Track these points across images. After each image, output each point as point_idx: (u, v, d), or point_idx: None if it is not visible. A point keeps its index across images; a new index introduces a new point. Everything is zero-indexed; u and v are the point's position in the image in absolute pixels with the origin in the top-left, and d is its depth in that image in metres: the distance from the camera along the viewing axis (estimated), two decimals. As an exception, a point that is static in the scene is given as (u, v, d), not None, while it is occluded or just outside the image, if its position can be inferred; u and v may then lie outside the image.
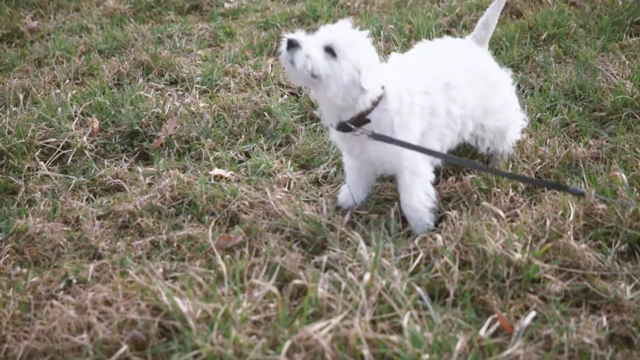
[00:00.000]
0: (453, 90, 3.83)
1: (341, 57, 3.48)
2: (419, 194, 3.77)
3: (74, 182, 4.48)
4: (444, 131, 3.86)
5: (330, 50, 3.48)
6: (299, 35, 3.52)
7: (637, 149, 4.26)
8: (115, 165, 4.66)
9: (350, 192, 4.03)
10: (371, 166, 3.88)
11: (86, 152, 4.78)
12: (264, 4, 7.44)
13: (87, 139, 4.88)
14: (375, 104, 3.63)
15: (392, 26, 6.19)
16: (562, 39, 5.85)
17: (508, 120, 4.16)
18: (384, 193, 4.12)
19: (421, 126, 3.74)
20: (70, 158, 4.74)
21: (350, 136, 3.69)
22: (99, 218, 4.12)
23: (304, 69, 3.47)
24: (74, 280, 3.57)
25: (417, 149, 3.66)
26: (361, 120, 3.63)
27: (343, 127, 3.64)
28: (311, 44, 3.49)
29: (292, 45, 3.47)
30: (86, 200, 4.33)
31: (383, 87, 3.63)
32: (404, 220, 3.86)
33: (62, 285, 3.56)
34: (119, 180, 4.46)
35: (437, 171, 3.93)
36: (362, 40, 3.58)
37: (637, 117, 4.63)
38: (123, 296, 3.37)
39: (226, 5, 7.38)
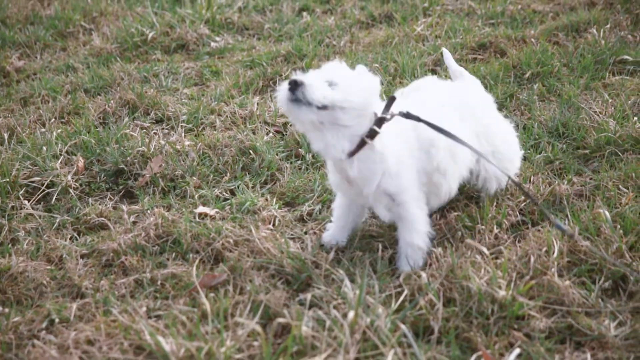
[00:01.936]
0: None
1: (343, 84, 3.53)
2: (423, 230, 3.77)
3: (58, 220, 4.46)
4: (449, 168, 3.88)
5: (332, 83, 3.52)
6: (298, 76, 3.54)
7: (620, 187, 4.28)
8: (99, 204, 4.64)
9: (334, 232, 4.04)
10: (376, 200, 3.80)
11: (71, 190, 4.77)
12: (250, 43, 7.47)
13: (72, 178, 4.86)
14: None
15: (377, 65, 6.24)
16: (545, 78, 5.90)
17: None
18: (370, 229, 4.12)
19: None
20: (54, 197, 4.72)
21: (357, 163, 3.68)
22: (82, 257, 4.10)
23: (315, 101, 3.47)
24: (57, 320, 3.54)
25: (454, 138, 3.71)
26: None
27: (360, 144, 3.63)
28: (313, 78, 3.52)
29: (297, 84, 3.47)
30: (70, 238, 4.31)
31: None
32: (390, 258, 3.86)
33: (44, 325, 3.53)
34: (103, 218, 4.44)
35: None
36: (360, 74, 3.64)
37: (620, 155, 4.66)
38: (106, 335, 3.35)
39: (212, 44, 7.41)
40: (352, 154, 3.61)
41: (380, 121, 3.61)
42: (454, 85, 4.26)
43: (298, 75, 3.53)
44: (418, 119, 3.65)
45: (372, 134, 3.59)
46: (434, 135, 3.71)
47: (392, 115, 3.65)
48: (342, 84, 3.52)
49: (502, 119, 4.33)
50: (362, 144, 3.60)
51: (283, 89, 3.52)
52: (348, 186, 3.80)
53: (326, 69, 3.64)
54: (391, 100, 3.69)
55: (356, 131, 3.58)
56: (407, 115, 3.66)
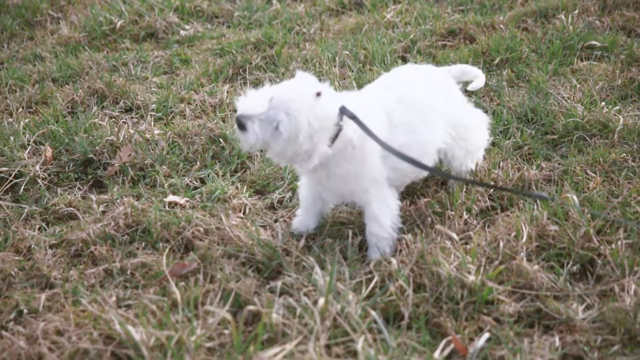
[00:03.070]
0: (412, 108, 3.85)
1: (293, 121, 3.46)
2: (387, 224, 3.77)
3: (26, 211, 4.42)
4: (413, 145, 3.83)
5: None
6: (249, 106, 3.51)
7: (588, 171, 4.32)
8: (68, 194, 4.61)
9: (303, 217, 4.04)
10: (338, 197, 3.87)
11: (39, 180, 4.72)
12: (220, 31, 7.43)
13: (40, 168, 4.82)
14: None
15: (347, 52, 6.23)
16: (514, 64, 5.92)
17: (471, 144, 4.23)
18: (340, 216, 4.13)
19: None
20: (22, 187, 4.68)
21: (320, 167, 3.68)
22: (51, 247, 4.07)
23: (258, 146, 3.52)
24: (25, 311, 3.52)
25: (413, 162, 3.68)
26: None
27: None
28: (260, 112, 3.48)
29: (242, 127, 3.49)
30: (39, 229, 4.28)
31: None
32: (359, 245, 3.87)
33: (12, 316, 3.51)
34: (72, 208, 4.41)
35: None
36: (309, 101, 3.51)
37: (588, 140, 4.70)
38: (75, 325, 3.33)
39: (182, 32, 7.36)
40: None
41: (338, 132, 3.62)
42: (429, 70, 4.24)
43: (242, 108, 3.51)
44: (360, 124, 3.62)
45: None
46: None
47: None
48: (292, 114, 3.45)
49: (472, 107, 4.34)
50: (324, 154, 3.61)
51: (235, 125, 3.54)
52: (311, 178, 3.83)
53: (279, 95, 3.52)
54: (342, 111, 3.63)
55: (316, 144, 3.54)
56: (352, 117, 3.61)
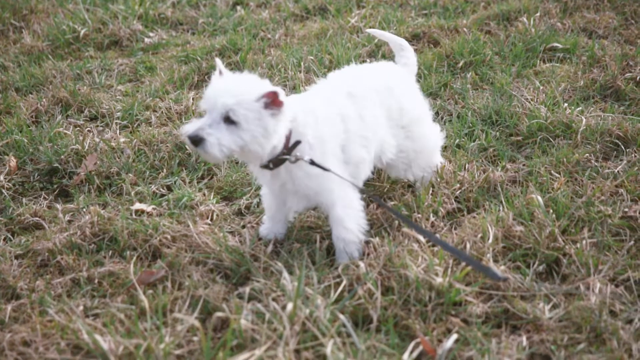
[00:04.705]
0: (360, 99, 3.86)
1: (243, 122, 3.44)
2: (352, 227, 3.78)
3: (-9, 221, 4.39)
4: (366, 134, 3.84)
5: (229, 120, 3.44)
6: (195, 125, 3.47)
7: (552, 172, 4.36)
8: (33, 204, 4.57)
9: (269, 224, 4.04)
10: (304, 199, 3.85)
11: (3, 191, 4.68)
12: (184, 38, 7.42)
13: (4, 178, 4.78)
14: (287, 137, 3.63)
15: (312, 57, 6.24)
16: (478, 67, 5.97)
17: (425, 143, 4.21)
18: (307, 221, 4.13)
19: (337, 136, 3.75)
20: (-13, 197, 4.65)
21: (284, 171, 3.69)
22: (17, 257, 4.04)
23: (221, 153, 3.45)
24: (-9, 322, 3.49)
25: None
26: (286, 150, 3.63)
27: (277, 162, 3.64)
28: (212, 126, 3.44)
29: (197, 142, 3.43)
30: (4, 239, 4.24)
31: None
32: (327, 249, 3.87)
33: (-22, 328, 3.48)
34: (37, 218, 4.38)
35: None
36: (255, 96, 3.47)
37: (552, 141, 4.74)
38: (42, 336, 3.31)
39: (146, 40, 7.33)
40: (276, 162, 3.65)
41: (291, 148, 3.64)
42: (376, 70, 4.25)
43: (194, 127, 3.47)
44: (325, 169, 3.65)
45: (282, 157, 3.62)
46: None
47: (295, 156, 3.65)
48: (241, 123, 3.43)
49: (425, 113, 4.30)
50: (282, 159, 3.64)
51: (188, 142, 3.49)
52: (270, 180, 3.82)
53: (222, 100, 3.45)
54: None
55: (270, 143, 3.55)
56: (313, 163, 3.63)
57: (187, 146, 3.56)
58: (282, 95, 3.44)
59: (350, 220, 3.77)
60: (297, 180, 3.70)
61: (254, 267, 3.69)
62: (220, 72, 3.59)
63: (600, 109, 5.11)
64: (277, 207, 3.99)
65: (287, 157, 3.61)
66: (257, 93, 3.44)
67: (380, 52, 6.35)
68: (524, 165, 4.52)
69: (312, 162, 3.59)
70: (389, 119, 3.98)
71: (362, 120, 3.83)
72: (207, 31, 7.55)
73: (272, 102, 3.44)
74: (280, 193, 3.88)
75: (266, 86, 3.51)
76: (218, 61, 3.66)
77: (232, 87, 3.47)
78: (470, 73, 5.85)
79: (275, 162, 3.63)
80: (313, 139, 3.66)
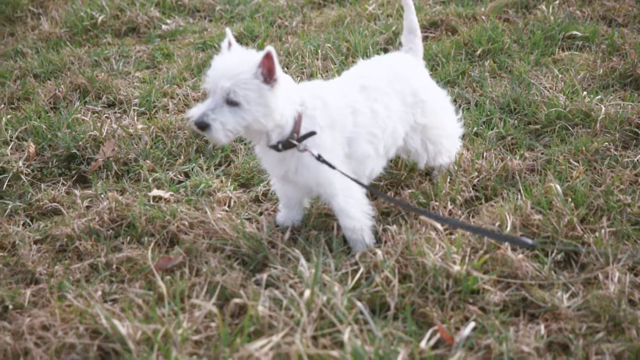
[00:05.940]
0: (372, 92, 3.83)
1: (244, 103, 3.43)
2: (356, 215, 3.77)
3: (10, 207, 4.40)
4: (374, 130, 3.81)
5: (232, 102, 3.43)
6: (199, 110, 3.46)
7: (571, 160, 4.34)
8: (52, 189, 4.59)
9: (285, 211, 4.06)
10: (305, 189, 3.85)
11: (22, 176, 4.71)
12: (202, 25, 7.42)
13: (23, 164, 4.80)
14: (296, 121, 3.62)
15: (329, 45, 6.23)
16: (496, 55, 5.94)
17: (443, 132, 4.18)
18: (324, 208, 4.13)
19: (345, 128, 3.73)
20: (5, 183, 4.66)
21: (290, 157, 3.68)
22: (35, 242, 4.06)
23: (226, 137, 3.45)
24: (10, 306, 3.51)
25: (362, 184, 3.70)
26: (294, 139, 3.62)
27: (287, 145, 3.62)
28: (215, 110, 3.44)
29: (202, 128, 3.43)
30: (23, 225, 4.26)
31: (301, 105, 3.63)
32: (344, 236, 3.87)
33: (-2, 312, 3.50)
34: (56, 204, 4.40)
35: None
36: (252, 73, 3.43)
37: (570, 129, 4.72)
38: (61, 320, 3.32)
39: (164, 27, 7.34)
40: (285, 144, 3.62)
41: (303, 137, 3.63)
42: (389, 59, 4.23)
43: (192, 115, 3.47)
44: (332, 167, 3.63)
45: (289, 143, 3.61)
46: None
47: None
48: (243, 104, 3.42)
49: (440, 95, 4.28)
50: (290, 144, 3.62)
51: (194, 127, 3.49)
52: (276, 165, 3.80)
53: (222, 76, 3.43)
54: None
55: (273, 118, 3.53)
56: (320, 159, 3.61)
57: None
58: (273, 53, 3.40)
59: (353, 209, 3.76)
60: (300, 168, 3.69)
61: (272, 254, 3.70)
62: (230, 44, 3.58)
63: (619, 98, 5.07)
64: (288, 195, 3.99)
65: (296, 143, 3.61)
66: (253, 68, 3.41)
67: (397, 40, 6.32)
68: (542, 153, 4.50)
69: (319, 158, 3.58)
70: (405, 106, 3.96)
71: (374, 114, 3.81)
72: (225, 18, 7.55)
73: (268, 70, 3.42)
74: (285, 183, 3.89)
75: (259, 55, 3.45)
76: (228, 31, 3.65)
77: (230, 68, 3.45)
78: (488, 61, 5.82)
79: (284, 144, 3.62)
80: (323, 122, 3.65)
